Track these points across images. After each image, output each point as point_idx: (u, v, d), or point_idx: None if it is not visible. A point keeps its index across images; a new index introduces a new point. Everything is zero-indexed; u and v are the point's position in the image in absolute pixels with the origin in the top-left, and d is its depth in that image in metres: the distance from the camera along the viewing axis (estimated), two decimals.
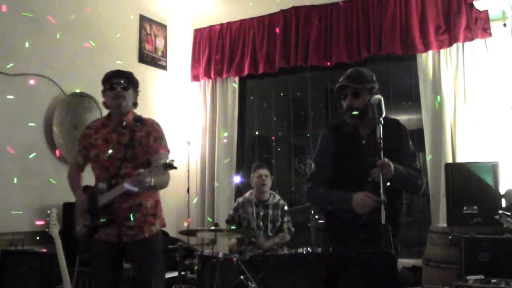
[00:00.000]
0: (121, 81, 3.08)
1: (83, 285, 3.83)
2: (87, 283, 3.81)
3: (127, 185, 2.83)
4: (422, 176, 2.72)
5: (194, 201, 5.56)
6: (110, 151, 3.03)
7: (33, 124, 4.25)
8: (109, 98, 3.07)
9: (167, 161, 2.78)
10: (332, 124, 3.12)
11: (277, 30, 5.37)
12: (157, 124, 3.16)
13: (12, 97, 4.08)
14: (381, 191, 2.28)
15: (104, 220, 2.98)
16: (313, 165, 2.81)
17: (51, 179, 4.27)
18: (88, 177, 3.27)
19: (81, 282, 3.81)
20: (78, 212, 3.08)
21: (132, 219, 3.00)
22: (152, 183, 2.85)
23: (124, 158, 3.02)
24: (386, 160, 2.40)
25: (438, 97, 4.59)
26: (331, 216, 2.76)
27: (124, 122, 3.10)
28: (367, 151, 2.62)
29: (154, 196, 3.15)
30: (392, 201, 2.48)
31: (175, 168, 2.82)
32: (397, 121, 2.79)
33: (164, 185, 3.05)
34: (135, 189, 2.85)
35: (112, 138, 3.08)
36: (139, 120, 3.12)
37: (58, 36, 4.48)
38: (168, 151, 3.13)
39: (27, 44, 4.22)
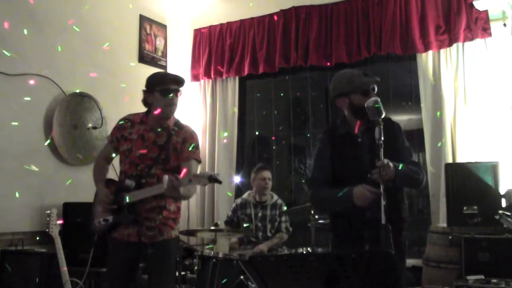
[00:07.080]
0: (179, 89, 3.01)
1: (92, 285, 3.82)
2: (93, 284, 3.81)
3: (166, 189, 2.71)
4: (422, 170, 2.70)
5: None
6: (144, 150, 2.95)
7: (33, 124, 4.26)
8: (161, 103, 2.96)
9: (213, 174, 2.68)
10: (326, 127, 3.11)
11: (277, 30, 5.37)
12: (194, 133, 3.08)
13: (12, 97, 4.09)
14: (382, 192, 2.28)
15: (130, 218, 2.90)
16: (311, 170, 2.80)
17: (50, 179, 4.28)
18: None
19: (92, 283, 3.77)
20: (97, 205, 2.98)
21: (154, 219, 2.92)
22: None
23: (157, 159, 2.94)
24: (386, 161, 2.39)
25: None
26: (337, 216, 2.75)
27: (165, 124, 3.02)
28: (364, 148, 2.63)
29: (178, 202, 3.07)
30: (393, 198, 2.48)
31: (220, 182, 2.72)
32: (389, 118, 2.79)
33: (187, 197, 2.97)
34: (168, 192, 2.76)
35: (149, 137, 2.99)
36: (178, 125, 3.05)
37: (58, 36, 4.49)
38: (200, 161, 3.06)
39: (27, 45, 4.22)
